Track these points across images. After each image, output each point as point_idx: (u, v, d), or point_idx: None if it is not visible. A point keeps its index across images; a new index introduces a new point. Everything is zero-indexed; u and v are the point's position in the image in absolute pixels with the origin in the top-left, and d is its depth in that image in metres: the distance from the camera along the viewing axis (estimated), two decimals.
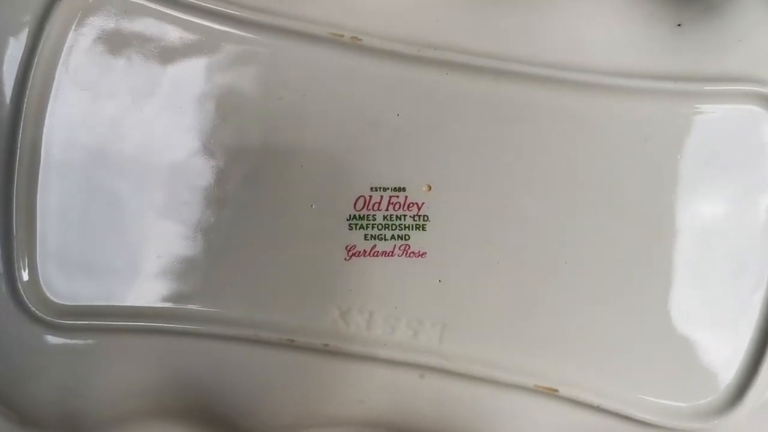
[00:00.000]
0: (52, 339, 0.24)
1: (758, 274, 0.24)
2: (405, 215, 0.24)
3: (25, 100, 0.23)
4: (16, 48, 0.23)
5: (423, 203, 0.24)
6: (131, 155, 0.24)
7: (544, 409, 0.24)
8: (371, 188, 0.24)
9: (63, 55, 0.24)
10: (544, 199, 0.24)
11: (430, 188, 0.24)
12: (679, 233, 0.24)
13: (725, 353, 0.24)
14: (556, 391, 0.24)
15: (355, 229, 0.24)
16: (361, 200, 0.24)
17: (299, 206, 0.24)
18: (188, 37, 0.24)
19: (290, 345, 0.23)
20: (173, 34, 0.24)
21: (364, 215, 0.24)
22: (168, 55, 0.24)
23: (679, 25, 0.24)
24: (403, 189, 0.24)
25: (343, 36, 0.23)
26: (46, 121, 0.24)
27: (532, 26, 0.24)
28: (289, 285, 0.24)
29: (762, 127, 0.24)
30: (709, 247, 0.24)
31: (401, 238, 0.24)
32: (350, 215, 0.24)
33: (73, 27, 0.24)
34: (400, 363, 0.24)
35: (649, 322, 0.24)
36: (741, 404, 0.24)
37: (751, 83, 0.23)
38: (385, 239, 0.24)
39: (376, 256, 0.24)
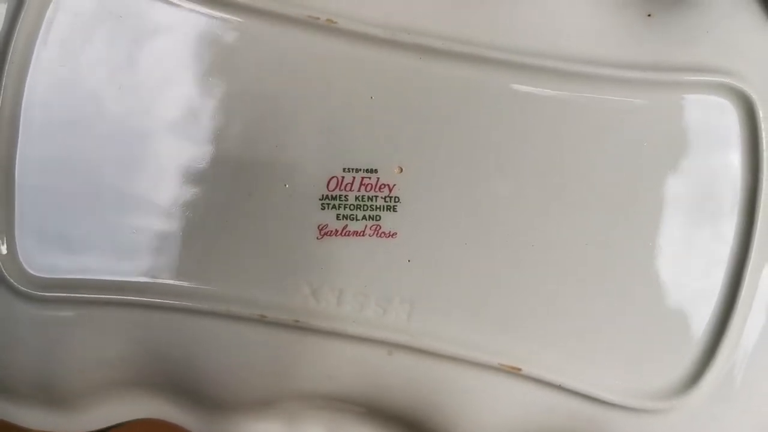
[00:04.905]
0: (30, 310, 0.24)
1: (716, 258, 0.25)
2: (376, 196, 0.24)
3: (5, 74, 0.23)
4: None
5: (394, 185, 0.24)
6: (109, 130, 0.24)
7: (507, 386, 0.25)
8: (344, 169, 0.24)
9: (43, 26, 0.24)
10: (512, 183, 0.24)
11: (401, 170, 0.24)
12: (642, 220, 0.24)
13: (685, 336, 0.25)
14: (520, 370, 0.24)
15: (328, 208, 0.24)
16: (334, 181, 0.24)
17: (273, 185, 0.24)
18: (168, 15, 0.24)
19: (262, 320, 0.24)
20: (152, 12, 0.24)
21: (336, 195, 0.24)
22: (146, 32, 0.24)
23: (649, 15, 0.24)
24: (375, 170, 0.24)
25: (319, 18, 0.23)
26: (25, 95, 0.24)
27: (505, 13, 0.24)
28: (262, 262, 0.24)
29: (726, 116, 0.24)
30: (671, 232, 0.24)
31: (372, 219, 0.24)
32: (323, 195, 0.24)
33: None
34: (368, 340, 0.24)
35: (611, 304, 0.25)
36: (698, 386, 0.25)
37: (717, 74, 0.24)
38: (357, 219, 0.24)
39: (348, 235, 0.24)
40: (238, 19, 0.24)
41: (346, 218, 0.24)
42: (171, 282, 0.24)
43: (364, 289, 0.24)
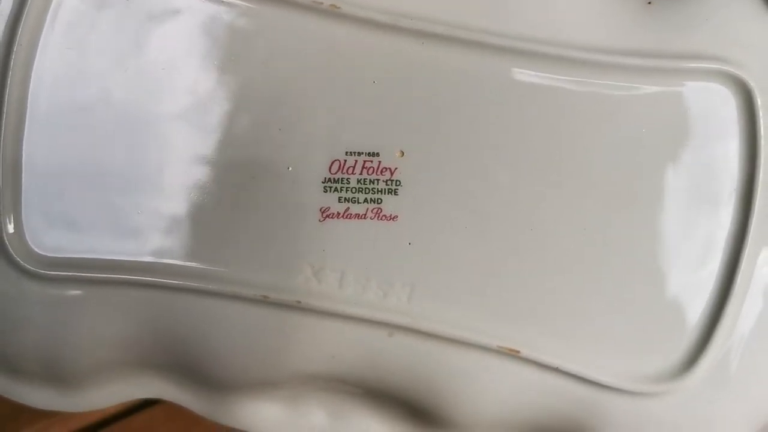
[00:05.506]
0: (36, 289, 0.25)
1: (713, 244, 0.25)
2: (378, 180, 0.25)
3: (13, 58, 0.24)
4: (4, 6, 0.24)
5: (396, 168, 0.25)
6: (115, 113, 0.24)
7: (506, 369, 0.25)
8: (346, 152, 0.24)
9: (50, 11, 0.24)
10: (513, 168, 0.25)
11: (403, 154, 0.25)
12: (640, 205, 0.25)
13: (682, 320, 0.25)
14: (518, 352, 0.25)
15: (330, 191, 0.25)
16: (336, 164, 0.25)
17: (277, 168, 0.24)
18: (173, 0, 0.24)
19: (264, 301, 0.24)
20: None
21: (338, 178, 0.25)
22: (152, 17, 0.24)
23: (649, 2, 0.25)
24: (377, 154, 0.25)
25: (322, 3, 0.24)
26: (33, 78, 0.24)
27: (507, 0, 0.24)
28: (265, 243, 0.25)
29: (725, 104, 0.25)
30: (669, 218, 0.25)
31: (374, 202, 0.25)
32: (325, 178, 0.25)
33: None
34: (369, 321, 0.25)
35: (609, 289, 0.25)
36: (694, 370, 0.25)
37: (716, 62, 0.24)
38: (359, 202, 0.25)
39: (350, 218, 0.25)
40: (244, 4, 0.24)
41: (348, 201, 0.25)
42: (175, 262, 0.25)
43: (365, 271, 0.25)
